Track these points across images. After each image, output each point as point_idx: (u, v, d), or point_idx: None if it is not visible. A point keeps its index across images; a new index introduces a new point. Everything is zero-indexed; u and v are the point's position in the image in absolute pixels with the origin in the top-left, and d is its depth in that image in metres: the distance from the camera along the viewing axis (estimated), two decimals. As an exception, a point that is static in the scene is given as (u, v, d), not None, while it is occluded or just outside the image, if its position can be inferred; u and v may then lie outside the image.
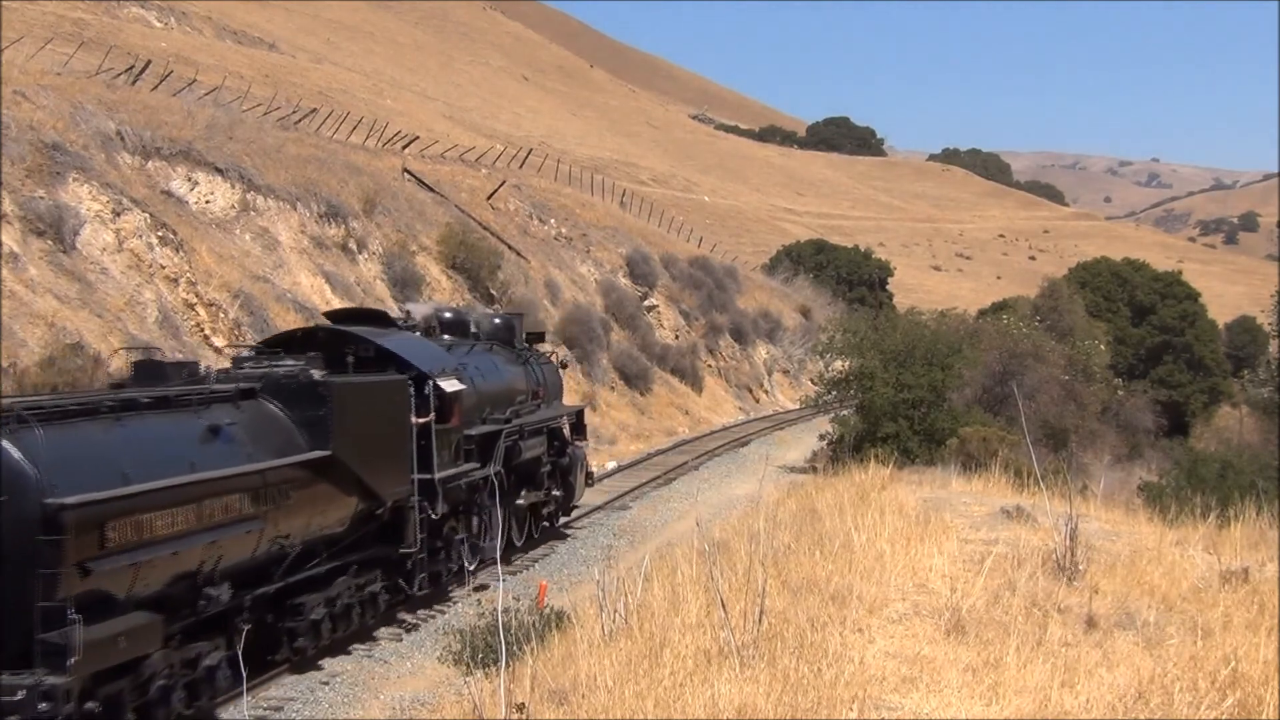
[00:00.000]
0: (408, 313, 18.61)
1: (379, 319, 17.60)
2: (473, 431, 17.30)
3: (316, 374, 13.31)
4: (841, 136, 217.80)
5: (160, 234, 24.95)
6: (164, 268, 24.44)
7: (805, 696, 6.97)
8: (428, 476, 15.53)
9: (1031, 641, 8.04)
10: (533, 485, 20.39)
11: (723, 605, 8.08)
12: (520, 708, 7.32)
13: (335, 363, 14.42)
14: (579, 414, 23.70)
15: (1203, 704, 6.95)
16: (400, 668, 14.39)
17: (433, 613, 16.74)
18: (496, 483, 18.20)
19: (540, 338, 23.85)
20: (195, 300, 24.52)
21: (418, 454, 15.33)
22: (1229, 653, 7.59)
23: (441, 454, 15.91)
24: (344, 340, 15.38)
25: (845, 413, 33.94)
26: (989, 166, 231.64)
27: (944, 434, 29.04)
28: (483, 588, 17.31)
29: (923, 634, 8.45)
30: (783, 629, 8.27)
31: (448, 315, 19.79)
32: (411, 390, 15.30)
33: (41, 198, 22.61)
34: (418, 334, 17.89)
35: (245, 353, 15.44)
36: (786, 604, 8.97)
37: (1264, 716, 6.83)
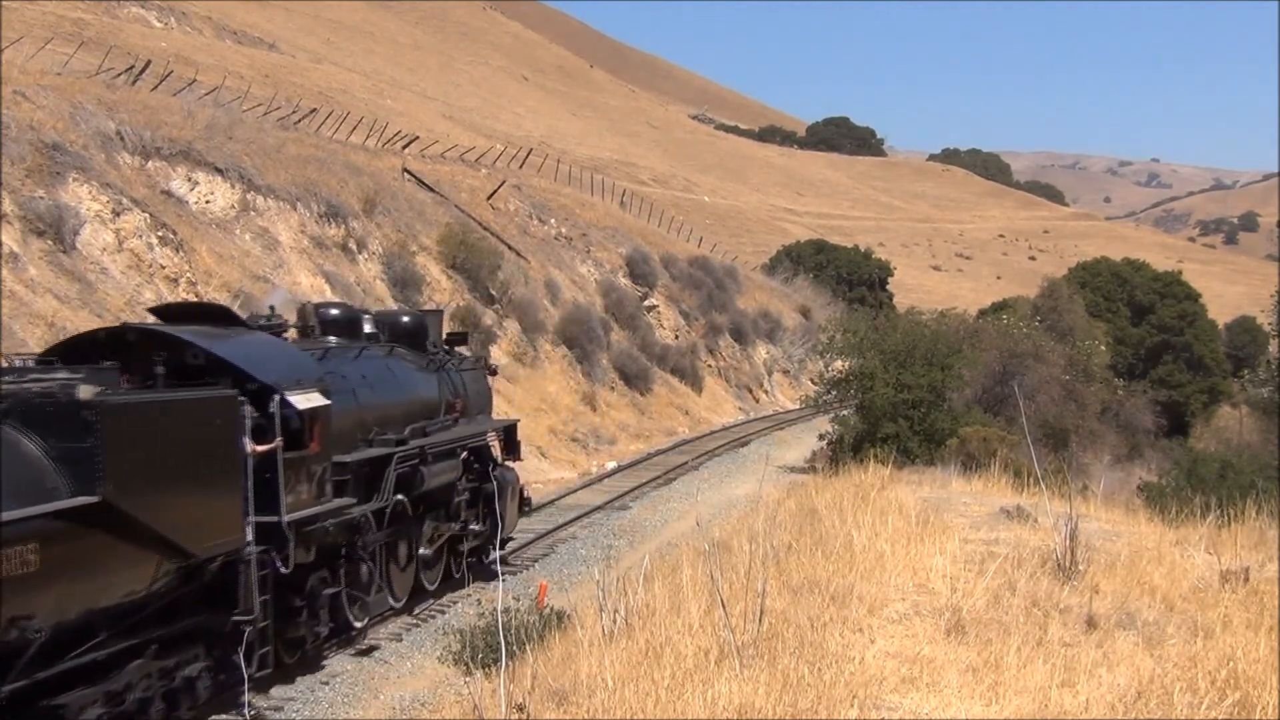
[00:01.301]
0: (271, 309, 15.17)
1: (221, 316, 13.92)
2: (349, 458, 14.10)
3: (83, 392, 9.75)
4: (841, 136, 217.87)
5: (160, 234, 24.95)
6: (164, 268, 24.44)
7: (805, 696, 6.98)
8: (273, 519, 12.16)
9: (1031, 641, 8.05)
10: (446, 518, 17.35)
11: (723, 605, 8.08)
12: (520, 708, 7.32)
13: (145, 374, 11.40)
14: (510, 429, 20.19)
15: (1202, 704, 6.95)
16: (400, 668, 14.39)
17: (433, 613, 16.76)
18: (391, 518, 15.23)
19: (463, 339, 20.55)
20: (195, 300, 24.51)
21: (258, 491, 11.93)
22: (1228, 653, 7.59)
23: (296, 489, 12.62)
24: (160, 344, 11.93)
25: (845, 413, 33.94)
26: (989, 166, 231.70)
27: (944, 434, 29.04)
28: (372, 649, 14.65)
29: (923, 634, 8.45)
30: (783, 629, 8.27)
31: (332, 313, 16.54)
32: (248, 409, 11.95)
33: (41, 198, 22.61)
34: (288, 335, 14.80)
35: (19, 362, 11.73)
36: (787, 604, 8.97)
37: (1263, 716, 6.83)
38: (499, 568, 16.17)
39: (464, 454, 17.95)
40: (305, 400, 12.86)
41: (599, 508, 25.46)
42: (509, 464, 19.66)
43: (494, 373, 21.35)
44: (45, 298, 20.67)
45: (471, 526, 17.94)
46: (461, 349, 19.99)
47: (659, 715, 6.99)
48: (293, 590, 12.89)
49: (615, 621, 9.28)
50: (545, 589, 15.36)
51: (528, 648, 10.23)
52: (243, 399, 11.89)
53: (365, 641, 14.73)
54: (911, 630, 8.56)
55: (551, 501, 26.33)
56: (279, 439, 12.22)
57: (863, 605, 9.00)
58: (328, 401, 13.29)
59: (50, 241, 22.00)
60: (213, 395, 11.58)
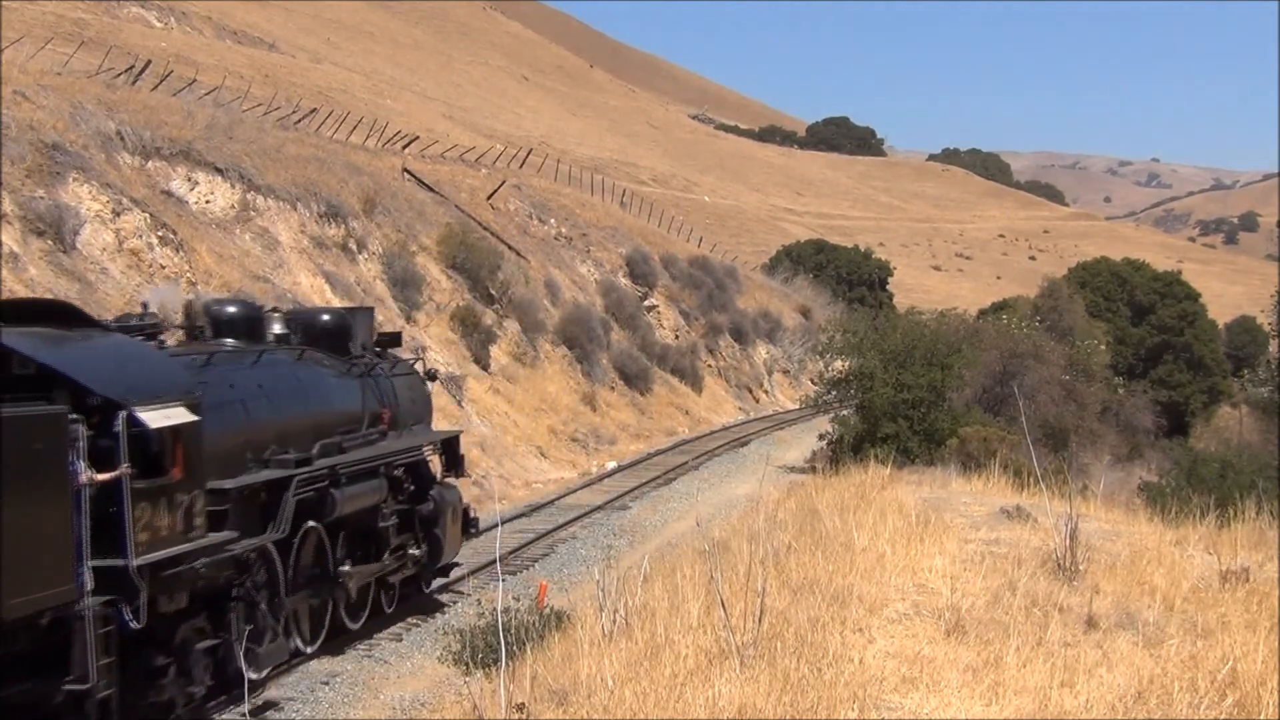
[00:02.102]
0: (144, 306, 13.10)
1: (65, 315, 11.45)
2: (231, 483, 11.95)
3: None
4: (841, 136, 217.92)
5: (160, 234, 24.96)
6: (164, 268, 24.44)
7: (805, 696, 6.98)
8: (118, 564, 10.03)
9: (1031, 641, 8.05)
10: (370, 547, 15.16)
11: (723, 605, 8.08)
12: (520, 708, 7.32)
13: None
14: (450, 442, 17.90)
15: (1202, 704, 6.95)
16: (400, 668, 14.39)
17: (432, 613, 16.76)
18: (299, 550, 13.26)
19: (395, 339, 18.17)
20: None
21: (101, 529, 9.90)
22: (1228, 653, 7.59)
23: (154, 524, 10.47)
24: None
25: (845, 413, 33.94)
26: (989, 166, 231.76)
27: (944, 434, 29.05)
28: (269, 706, 12.61)
29: (923, 634, 8.45)
30: (783, 629, 8.27)
31: (229, 311, 14.15)
32: (83, 428, 9.90)
33: (41, 198, 22.61)
34: (166, 338, 12.71)
35: None
36: (787, 604, 8.97)
37: (1263, 716, 6.83)
38: (443, 597, 14.45)
39: (399, 470, 15.82)
40: (163, 417, 10.57)
41: (599, 508, 25.46)
42: (450, 481, 17.48)
43: (433, 377, 18.76)
44: (45, 298, 20.66)
45: (411, 552, 15.96)
46: (397, 351, 17.95)
47: (659, 715, 6.99)
48: (156, 646, 10.73)
49: (615, 621, 9.28)
50: (545, 589, 15.36)
51: (528, 648, 10.22)
52: (76, 416, 9.84)
53: (263, 695, 12.57)
54: (911, 630, 8.56)
55: (551, 501, 26.34)
56: (126, 465, 10.09)
57: (863, 605, 9.00)
58: (195, 418, 10.94)
59: (50, 241, 22.00)
60: (28, 413, 9.35)
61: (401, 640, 15.43)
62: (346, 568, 14.24)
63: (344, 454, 14.26)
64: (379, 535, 15.20)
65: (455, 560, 17.46)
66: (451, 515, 16.87)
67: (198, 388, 11.49)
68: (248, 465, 12.56)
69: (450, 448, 17.85)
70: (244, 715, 11.25)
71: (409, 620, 16.32)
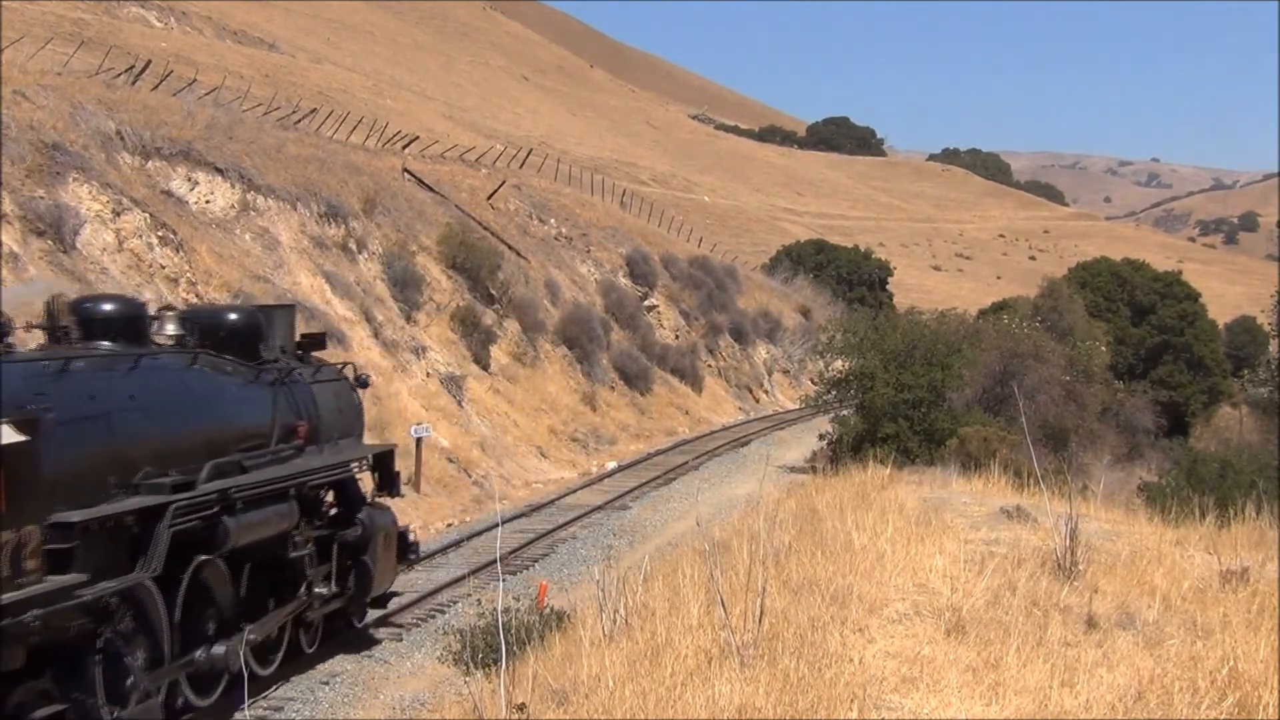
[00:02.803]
0: None
1: None
2: (81, 515, 9.92)
3: None
4: (841, 136, 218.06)
5: (160, 234, 24.96)
6: (164, 268, 24.44)
7: (805, 696, 6.98)
8: None
9: (1031, 641, 8.04)
10: (281, 582, 13.18)
11: (723, 605, 8.08)
12: (520, 708, 7.32)
13: None
14: (384, 458, 15.93)
15: (1202, 704, 6.95)
16: (400, 668, 14.40)
17: (433, 613, 16.76)
18: (188, 588, 11.22)
19: (318, 341, 15.94)
20: (195, 300, 24.51)
21: None
22: (1228, 653, 7.59)
23: None
24: None
25: (845, 413, 33.95)
26: (989, 166, 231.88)
27: (944, 434, 29.06)
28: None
29: (923, 634, 8.45)
30: (783, 629, 8.27)
31: (103, 309, 12.08)
32: None
33: (41, 198, 22.62)
34: (10, 341, 10.52)
35: None
36: (787, 604, 8.97)
37: (1263, 716, 6.83)
38: (380, 632, 13.09)
39: (316, 491, 14.06)
40: None
41: (599, 508, 25.48)
42: (383, 502, 15.55)
43: (365, 384, 16.52)
44: (45, 298, 20.65)
45: (319, 590, 13.74)
46: (321, 356, 15.91)
47: (659, 715, 6.99)
48: None
49: (615, 621, 9.28)
50: (545, 589, 15.36)
51: (528, 648, 10.23)
52: None
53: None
54: (911, 630, 8.56)
55: (551, 501, 26.36)
56: None
57: (863, 605, 9.00)
58: (21, 437, 9.04)
59: (50, 241, 22.00)
60: None
61: (401, 640, 15.44)
62: (251, 635, 12.03)
63: (244, 474, 12.29)
64: (291, 567, 13.18)
65: (392, 590, 15.66)
66: (384, 541, 14.92)
67: (37, 400, 9.56)
68: (111, 492, 10.46)
69: (384, 464, 15.84)
70: (244, 715, 11.26)
71: (409, 620, 16.31)
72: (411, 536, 16.19)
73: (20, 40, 39.05)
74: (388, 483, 15.84)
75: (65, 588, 9.47)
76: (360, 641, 15.20)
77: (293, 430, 13.71)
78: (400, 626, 16.02)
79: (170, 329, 12.87)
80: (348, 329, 28.73)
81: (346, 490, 14.92)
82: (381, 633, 15.67)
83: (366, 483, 15.69)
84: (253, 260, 27.97)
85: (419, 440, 25.17)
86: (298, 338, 15.18)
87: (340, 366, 16.11)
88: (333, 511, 14.61)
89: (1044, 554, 10.46)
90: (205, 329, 13.24)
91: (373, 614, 15.50)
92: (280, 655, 13.28)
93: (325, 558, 14.03)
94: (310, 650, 13.99)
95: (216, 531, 11.48)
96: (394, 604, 16.79)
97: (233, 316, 13.99)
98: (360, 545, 14.51)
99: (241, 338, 13.54)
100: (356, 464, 15.11)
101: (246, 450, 12.67)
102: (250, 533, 12.05)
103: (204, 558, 11.40)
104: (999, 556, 10.38)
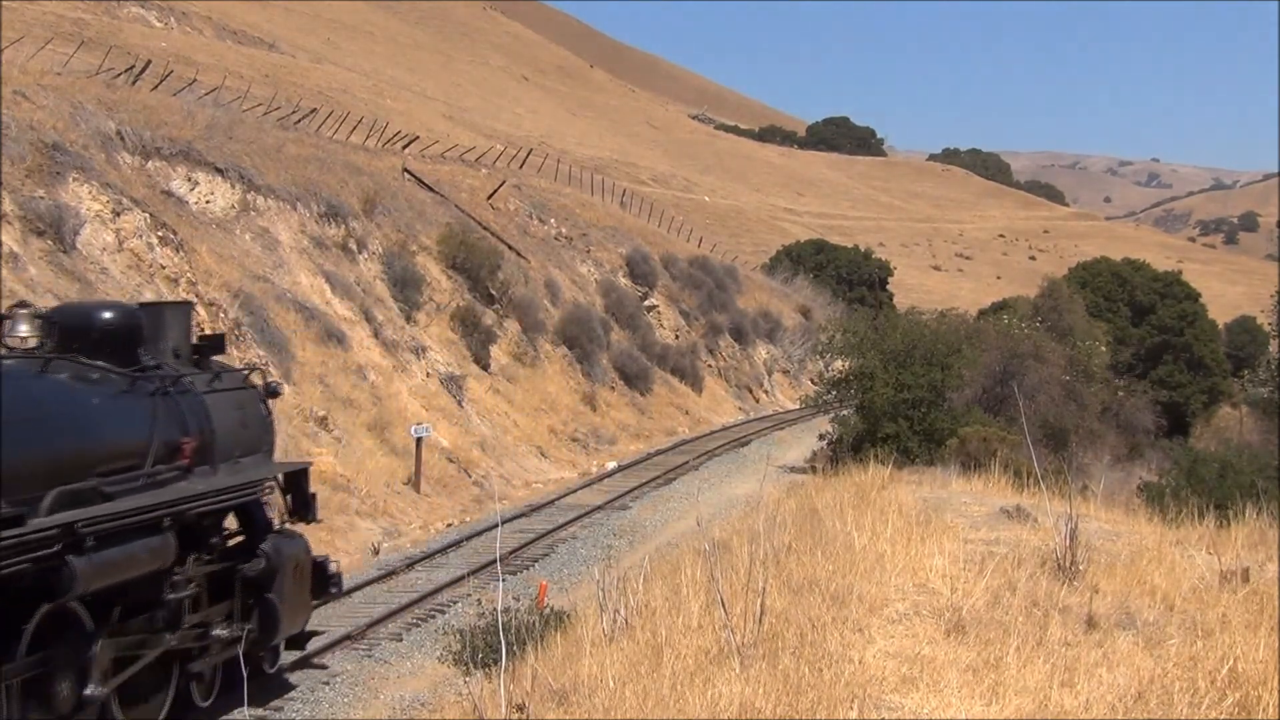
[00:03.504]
0: None
1: None
2: None
3: None
4: (841, 136, 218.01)
5: (160, 234, 24.96)
6: (164, 268, 24.44)
7: (805, 696, 6.98)
8: None
9: (1031, 641, 8.04)
10: (160, 624, 10.99)
11: (723, 605, 8.08)
12: (520, 708, 7.32)
13: None
14: (296, 478, 13.67)
15: (1202, 704, 6.95)
16: (400, 668, 14.40)
17: (433, 612, 16.76)
18: (33, 637, 9.32)
19: (217, 344, 13.64)
20: (195, 300, 24.51)
21: None
22: (1228, 653, 7.59)
23: None
24: None
25: (845, 413, 33.96)
26: (989, 166, 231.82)
27: (944, 434, 29.06)
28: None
29: (923, 634, 8.45)
30: (783, 629, 8.27)
31: None
32: None
33: (41, 198, 22.62)
34: None
35: None
36: (787, 604, 8.97)
37: (1263, 716, 6.83)
38: (295, 676, 11.68)
39: (205, 520, 11.80)
40: None
41: (599, 508, 25.48)
42: (295, 530, 13.35)
43: (275, 393, 14.22)
44: (45, 298, 20.64)
45: (218, 632, 11.75)
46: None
47: (659, 715, 6.99)
48: None
49: (615, 621, 9.28)
50: (545, 589, 15.37)
51: (528, 648, 10.23)
52: None
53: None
54: (911, 630, 8.56)
55: (551, 501, 26.37)
56: None
57: (863, 605, 9.00)
58: None
59: (50, 241, 22.00)
60: None
61: (401, 640, 15.44)
62: (91, 690, 9.82)
63: (107, 502, 10.17)
64: (171, 609, 11.00)
65: (308, 629, 13.57)
66: (295, 574, 12.74)
67: None
68: None
69: (297, 485, 13.54)
70: (245, 715, 11.26)
71: (408, 620, 16.31)
72: (332, 567, 13.93)
73: (20, 40, 39.07)
74: (302, 507, 13.55)
75: None
76: (358, 643, 15.20)
77: (176, 448, 11.48)
78: (400, 626, 15.99)
79: (22, 330, 10.93)
80: (348, 329, 28.74)
81: (250, 516, 12.75)
82: (381, 632, 15.67)
83: (282, 506, 13.62)
84: (253, 260, 27.97)
85: (419, 440, 25.18)
86: (195, 339, 13.03)
87: (246, 372, 13.86)
88: (221, 544, 12.34)
89: (1044, 554, 10.47)
90: (71, 330, 11.21)
91: (290, 655, 13.63)
92: (164, 711, 11.11)
93: (225, 595, 12.05)
94: (206, 704, 11.74)
95: (63, 574, 9.37)
96: (393, 604, 16.80)
97: (106, 315, 11.72)
98: (264, 580, 12.31)
99: (117, 340, 11.50)
100: (261, 486, 12.84)
101: (113, 473, 10.51)
102: (108, 574, 9.85)
103: (48, 606, 9.37)
104: (999, 556, 10.38)
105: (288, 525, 13.32)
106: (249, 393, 13.35)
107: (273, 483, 13.21)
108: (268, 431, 13.46)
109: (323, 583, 13.58)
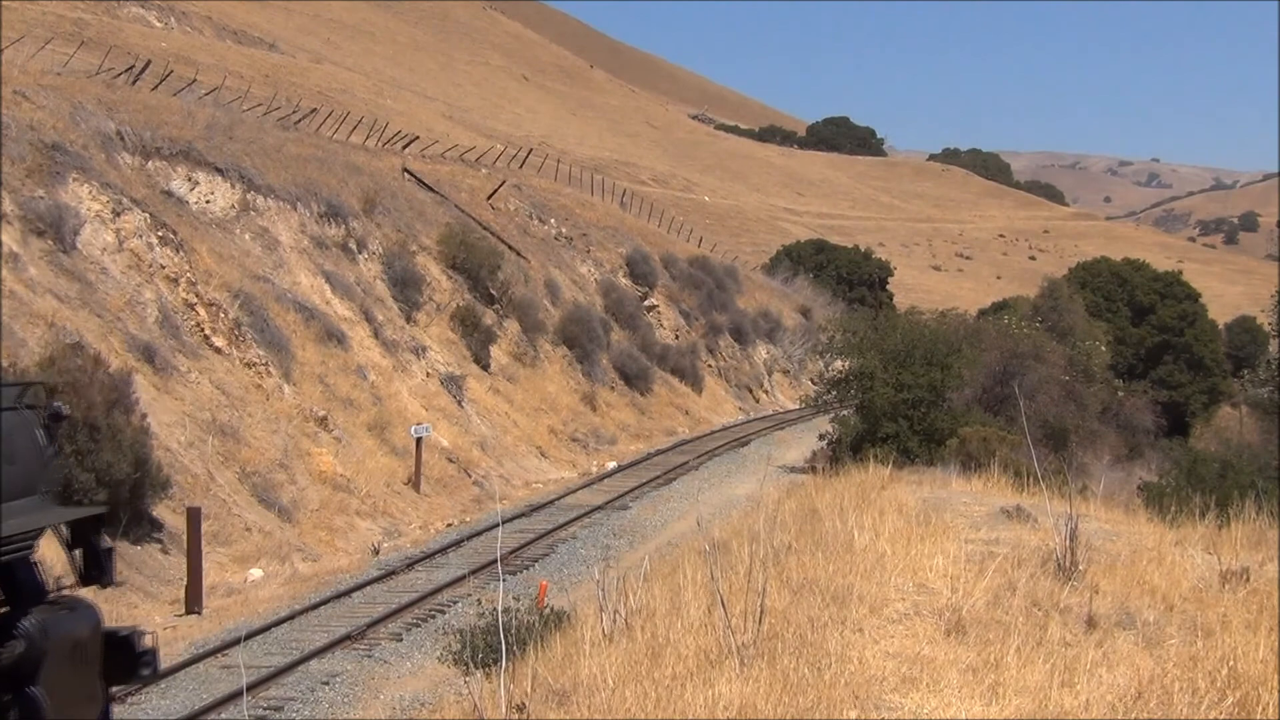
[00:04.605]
0: None
1: None
2: None
3: None
4: (841, 136, 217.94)
5: (160, 234, 24.95)
6: (164, 268, 24.44)
7: (805, 696, 6.97)
8: None
9: (1031, 641, 8.04)
10: None
11: (723, 605, 8.08)
12: (520, 708, 7.32)
13: None
14: (84, 527, 8.66)
15: (1202, 704, 6.95)
16: (400, 668, 14.40)
17: (433, 612, 16.75)
18: None
19: None
20: (195, 300, 24.52)
21: None
22: (1228, 653, 7.59)
23: None
24: None
25: (845, 413, 33.95)
26: (989, 166, 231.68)
27: (944, 434, 29.06)
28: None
29: (923, 634, 8.45)
30: (783, 629, 8.27)
31: None
32: None
33: (41, 198, 22.61)
34: None
35: None
36: (787, 604, 8.96)
37: (1263, 716, 6.83)
38: None
39: None
40: None
41: (599, 508, 25.47)
42: (79, 596, 9.18)
43: (60, 417, 9.59)
44: (45, 298, 20.66)
45: None
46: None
47: (659, 715, 6.98)
48: None
49: (615, 621, 9.27)
50: (545, 589, 15.36)
51: (528, 648, 10.23)
52: None
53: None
54: (912, 630, 8.55)
55: (551, 501, 26.36)
56: None
57: (863, 605, 8.99)
58: None
59: (50, 241, 22.00)
60: None
61: (401, 640, 15.43)
62: None
63: None
64: None
65: None
66: (73, 656, 8.67)
67: None
68: None
69: (85, 536, 9.26)
70: (244, 716, 11.26)
71: (408, 620, 16.31)
72: (145, 641, 9.29)
73: (20, 40, 39.06)
74: (96, 564, 9.16)
75: None
76: (358, 643, 15.20)
77: None
78: (400, 626, 15.96)
79: None
80: (348, 329, 28.74)
81: (13, 580, 8.66)
82: (381, 632, 15.67)
83: (66, 564, 9.10)
84: (253, 260, 27.97)
85: (419, 440, 25.18)
86: None
87: (19, 390, 9.23)
88: None
89: (1044, 554, 10.46)
90: None
91: None
92: None
93: None
94: None
95: None
96: (393, 604, 16.78)
97: None
98: (21, 670, 8.20)
99: None
100: (30, 541, 8.70)
101: None
102: None
103: None
104: (999, 556, 10.38)
105: (71, 591, 9.08)
106: (20, 415, 9.02)
107: (54, 534, 8.94)
108: (43, 467, 9.05)
109: (126, 662, 9.21)
